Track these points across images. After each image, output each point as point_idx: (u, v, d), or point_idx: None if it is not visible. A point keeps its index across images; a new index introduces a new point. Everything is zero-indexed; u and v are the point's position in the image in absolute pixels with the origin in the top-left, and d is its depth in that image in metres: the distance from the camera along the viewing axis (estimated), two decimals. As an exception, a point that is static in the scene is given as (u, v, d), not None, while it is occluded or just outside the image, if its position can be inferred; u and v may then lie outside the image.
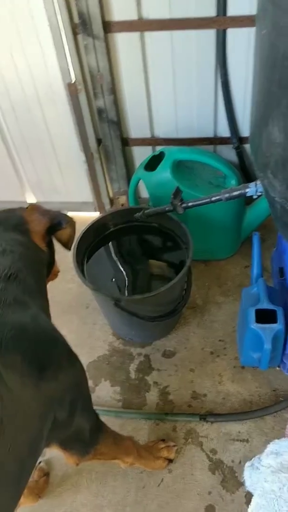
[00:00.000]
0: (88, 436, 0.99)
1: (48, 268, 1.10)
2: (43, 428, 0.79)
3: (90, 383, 1.59)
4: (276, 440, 0.79)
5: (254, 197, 1.35)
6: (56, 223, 1.05)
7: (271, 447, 0.77)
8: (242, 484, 1.32)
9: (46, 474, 1.39)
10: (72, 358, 0.91)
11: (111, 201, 2.12)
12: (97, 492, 1.35)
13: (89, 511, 1.32)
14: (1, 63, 1.70)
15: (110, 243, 1.65)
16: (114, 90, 1.68)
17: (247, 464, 0.82)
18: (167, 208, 1.45)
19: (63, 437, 0.93)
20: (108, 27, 1.52)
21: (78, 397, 0.91)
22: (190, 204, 1.39)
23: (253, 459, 0.83)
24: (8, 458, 0.67)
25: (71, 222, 1.09)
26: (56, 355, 0.85)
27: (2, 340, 0.72)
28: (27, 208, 1.05)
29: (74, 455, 1.00)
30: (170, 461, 1.38)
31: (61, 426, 0.87)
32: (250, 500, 1.27)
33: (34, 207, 1.06)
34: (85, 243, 1.55)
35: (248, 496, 1.29)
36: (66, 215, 1.09)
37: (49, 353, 0.82)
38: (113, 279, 1.56)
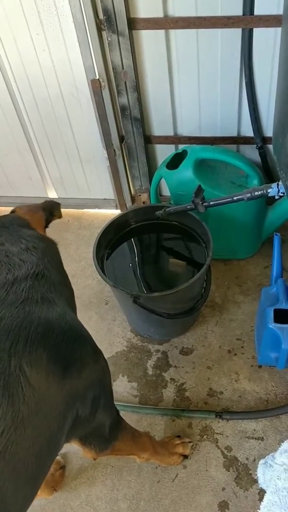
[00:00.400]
0: (107, 432, 1.00)
1: None
2: (64, 425, 0.79)
3: (108, 377, 1.61)
4: None
5: (276, 197, 1.35)
6: (49, 213, 1.10)
7: (285, 445, 0.78)
8: (256, 481, 1.33)
9: (62, 467, 1.42)
10: (96, 355, 0.92)
11: (133, 199, 2.13)
12: (112, 486, 1.38)
13: (104, 504, 1.35)
14: (25, 59, 1.72)
15: (130, 240, 1.67)
16: (138, 87, 1.69)
17: (261, 461, 0.83)
18: (188, 207, 1.46)
19: (84, 433, 0.94)
20: (133, 24, 1.53)
21: (101, 394, 0.91)
22: (211, 203, 1.40)
23: (266, 457, 0.84)
24: (28, 455, 0.68)
25: (58, 207, 1.15)
26: (81, 352, 0.85)
27: (28, 338, 0.73)
28: (13, 212, 1.07)
29: (92, 450, 1.01)
30: (185, 457, 1.39)
31: (83, 423, 0.87)
32: (263, 498, 1.29)
33: (20, 208, 1.08)
34: (106, 239, 1.57)
35: (262, 494, 1.30)
36: (51, 202, 1.14)
37: (74, 351, 0.82)
38: (133, 274, 1.58)
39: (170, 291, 1.36)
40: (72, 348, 0.82)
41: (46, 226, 1.10)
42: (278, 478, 0.71)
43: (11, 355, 0.69)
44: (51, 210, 1.12)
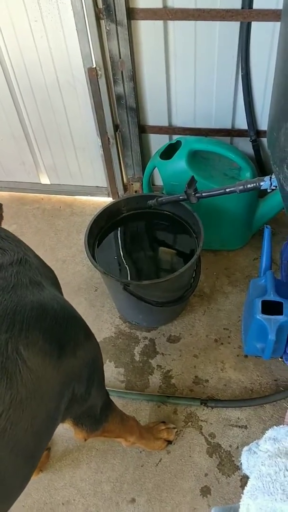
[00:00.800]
0: (98, 413, 1.02)
1: None
2: (61, 405, 0.81)
3: (96, 363, 1.63)
4: (275, 427, 0.81)
5: (268, 190, 1.37)
6: None
7: (269, 433, 0.80)
8: (238, 468, 1.37)
9: (48, 449, 1.44)
10: (88, 333, 0.94)
11: (125, 187, 2.14)
12: (97, 468, 1.40)
13: (87, 485, 1.37)
14: (23, 45, 1.71)
15: (122, 228, 1.68)
16: (134, 77, 1.69)
17: (245, 448, 0.85)
18: (180, 197, 1.47)
19: (78, 413, 0.96)
20: (132, 14, 1.53)
21: (94, 372, 0.93)
22: (204, 194, 1.42)
23: (250, 444, 0.86)
24: (26, 435, 0.69)
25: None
26: (75, 332, 0.86)
27: (24, 321, 0.74)
28: None
29: (83, 431, 1.03)
30: (169, 442, 1.42)
31: (79, 401, 0.89)
32: (245, 484, 1.31)
33: None
34: (97, 226, 1.58)
35: (244, 480, 1.33)
36: None
37: (68, 331, 0.84)
38: (123, 262, 1.59)
39: (160, 279, 1.38)
40: (65, 328, 0.83)
41: None
42: (262, 464, 0.73)
43: (8, 339, 0.70)
44: None
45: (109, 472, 1.39)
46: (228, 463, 1.39)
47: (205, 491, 1.34)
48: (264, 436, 0.91)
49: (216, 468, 1.38)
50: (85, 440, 1.07)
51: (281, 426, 0.90)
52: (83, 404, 0.92)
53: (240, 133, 1.78)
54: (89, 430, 1.04)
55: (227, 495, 1.33)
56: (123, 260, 1.61)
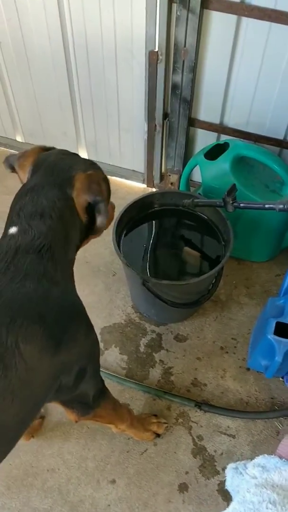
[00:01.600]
0: (90, 400, 1.05)
1: (87, 233, 0.99)
2: (48, 394, 0.85)
3: (101, 345, 1.67)
4: (266, 455, 0.84)
5: (307, 214, 1.34)
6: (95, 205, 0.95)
7: (260, 459, 0.82)
8: (218, 473, 1.41)
9: (42, 417, 1.50)
10: (89, 331, 0.94)
11: (162, 177, 2.12)
12: (85, 445, 1.46)
13: (73, 459, 1.43)
14: (87, 14, 1.67)
15: (151, 222, 1.68)
16: (195, 68, 1.64)
17: (232, 465, 0.88)
18: (217, 203, 1.45)
19: (66, 399, 0.99)
20: (206, 2, 1.47)
21: (87, 367, 0.95)
22: (242, 205, 1.40)
23: (238, 462, 0.88)
24: (13, 421, 0.75)
25: (107, 215, 0.95)
26: (75, 330, 0.86)
27: (27, 315, 0.75)
28: (83, 171, 0.93)
29: (74, 413, 1.07)
30: (158, 435, 1.46)
31: (65, 390, 0.91)
32: (222, 490, 1.36)
33: (89, 177, 0.93)
34: (128, 216, 1.58)
35: (221, 486, 1.38)
36: (104, 204, 0.93)
37: (69, 329, 0.84)
38: (146, 255, 1.60)
39: (180, 282, 1.39)
40: (67, 326, 0.84)
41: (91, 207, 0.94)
42: (247, 491, 0.75)
43: (9, 331, 0.72)
44: (98, 207, 0.92)
45: (96, 450, 1.45)
46: (209, 467, 1.43)
47: (183, 487, 1.39)
48: (253, 460, 0.94)
49: (198, 468, 1.43)
50: (76, 421, 1.10)
51: (272, 456, 0.93)
52: (69, 393, 0.94)
53: (290, 145, 1.73)
54: (80, 414, 1.07)
55: (203, 496, 1.37)
56: (147, 254, 1.61)
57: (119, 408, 1.27)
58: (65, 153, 1.00)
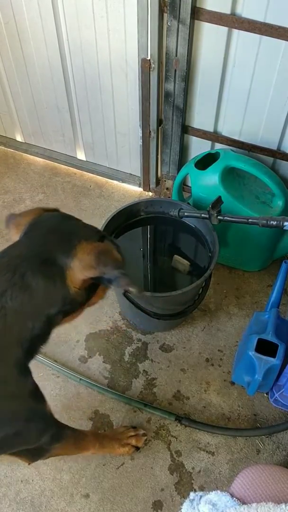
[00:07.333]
0: (43, 446, 1.01)
1: (79, 305, 0.91)
2: None
3: (85, 353, 1.66)
4: (219, 492, 0.81)
5: (292, 230, 1.31)
6: (106, 279, 0.87)
7: (212, 496, 0.80)
8: (194, 492, 1.38)
9: None
10: (30, 417, 0.91)
11: (158, 181, 2.10)
12: (61, 456, 1.42)
13: (48, 470, 1.41)
14: (82, 22, 1.66)
15: (139, 229, 1.66)
16: (187, 78, 1.61)
17: (190, 496, 0.85)
18: (203, 215, 1.43)
19: (10, 452, 0.98)
20: (197, 14, 1.44)
21: (21, 435, 0.93)
22: (226, 218, 1.37)
23: (197, 493, 0.86)
24: None
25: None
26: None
27: None
28: (88, 241, 0.85)
29: (24, 458, 1.06)
30: (137, 449, 1.43)
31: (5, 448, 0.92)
32: None
33: (95, 249, 0.84)
34: (114, 224, 1.56)
35: (197, 504, 1.35)
36: (123, 278, 0.85)
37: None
38: (130, 265, 1.58)
39: (161, 294, 1.37)
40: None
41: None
42: None
43: None
44: (110, 280, 0.85)
45: (72, 462, 1.43)
46: (186, 484, 1.40)
47: (157, 505, 1.37)
48: (206, 496, 0.90)
49: (174, 486, 1.40)
50: (29, 464, 1.09)
51: (224, 493, 0.88)
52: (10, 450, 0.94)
53: (284, 156, 1.69)
54: (32, 458, 1.06)
55: (177, 515, 1.35)
56: (132, 263, 1.59)
57: (81, 440, 1.25)
58: (67, 217, 0.93)
